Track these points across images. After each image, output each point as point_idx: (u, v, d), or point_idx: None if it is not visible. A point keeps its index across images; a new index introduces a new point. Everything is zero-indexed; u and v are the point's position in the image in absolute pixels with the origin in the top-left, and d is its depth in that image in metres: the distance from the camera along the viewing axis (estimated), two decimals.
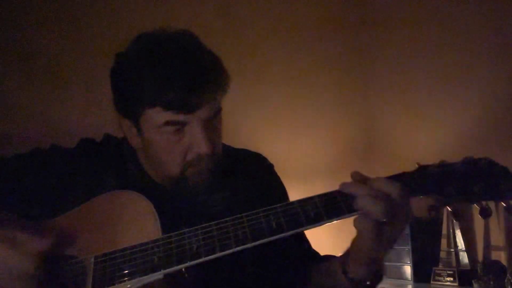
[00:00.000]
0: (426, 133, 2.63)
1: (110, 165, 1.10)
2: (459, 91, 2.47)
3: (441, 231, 2.21)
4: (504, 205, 0.82)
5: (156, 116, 0.98)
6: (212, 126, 1.02)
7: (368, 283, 0.93)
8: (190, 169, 1.01)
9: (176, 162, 1.02)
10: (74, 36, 2.42)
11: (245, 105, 2.60)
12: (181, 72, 0.97)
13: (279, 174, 1.26)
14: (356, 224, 0.85)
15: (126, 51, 1.04)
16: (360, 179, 0.88)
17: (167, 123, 0.98)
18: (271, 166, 1.25)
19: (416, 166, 0.90)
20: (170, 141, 1.00)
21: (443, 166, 0.88)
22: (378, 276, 0.94)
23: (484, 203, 0.86)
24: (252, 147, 1.28)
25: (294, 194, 1.22)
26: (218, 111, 1.03)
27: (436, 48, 2.60)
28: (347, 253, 0.94)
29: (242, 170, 1.17)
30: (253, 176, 1.18)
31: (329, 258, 1.10)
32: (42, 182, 1.07)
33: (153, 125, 1.00)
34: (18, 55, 2.33)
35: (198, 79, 0.97)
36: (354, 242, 0.90)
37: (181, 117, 0.98)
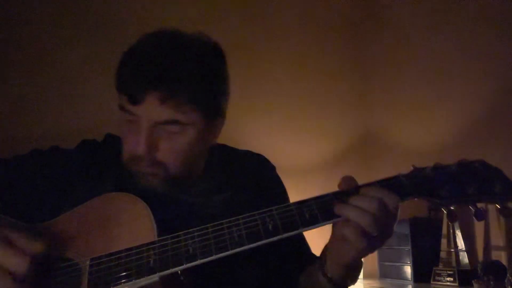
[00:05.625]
0: (422, 132, 2.63)
1: (109, 166, 1.09)
2: (454, 91, 2.47)
3: (441, 231, 2.21)
4: (498, 207, 0.82)
5: (118, 97, 1.01)
6: (166, 133, 0.99)
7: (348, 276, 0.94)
8: (133, 166, 1.01)
9: (126, 153, 1.02)
10: (77, 36, 2.42)
11: (245, 106, 2.60)
12: (140, 58, 0.99)
13: (278, 173, 1.24)
14: (344, 230, 0.85)
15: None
16: (349, 184, 0.88)
17: (121, 107, 1.00)
18: (273, 167, 1.24)
19: (411, 168, 0.90)
20: (124, 129, 1.02)
21: (437, 168, 0.88)
22: (357, 271, 0.95)
23: (478, 205, 0.86)
24: (253, 147, 1.26)
25: (293, 193, 1.22)
26: (178, 123, 0.99)
27: (433, 49, 2.60)
28: (324, 252, 0.95)
29: (244, 171, 1.16)
30: (255, 177, 1.16)
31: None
32: (41, 184, 1.07)
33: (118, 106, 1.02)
34: (19, 55, 2.33)
35: (149, 73, 0.96)
36: (332, 243, 0.91)
37: (129, 107, 0.98)
